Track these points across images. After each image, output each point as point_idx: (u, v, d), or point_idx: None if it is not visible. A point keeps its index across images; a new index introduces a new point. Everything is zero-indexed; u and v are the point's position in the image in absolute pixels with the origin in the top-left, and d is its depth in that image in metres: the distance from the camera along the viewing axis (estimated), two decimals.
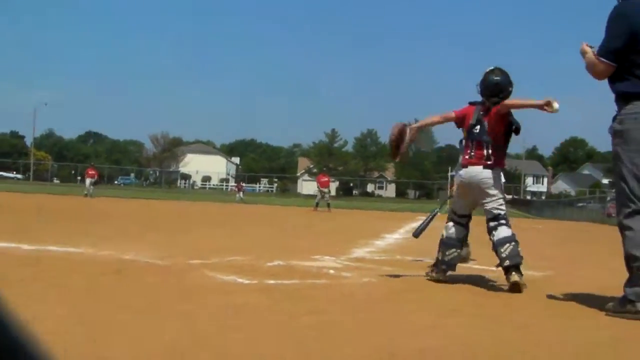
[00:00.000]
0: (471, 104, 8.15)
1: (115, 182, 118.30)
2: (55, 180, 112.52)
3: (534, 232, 25.47)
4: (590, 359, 4.49)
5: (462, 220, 8.18)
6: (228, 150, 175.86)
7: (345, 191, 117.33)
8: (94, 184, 46.87)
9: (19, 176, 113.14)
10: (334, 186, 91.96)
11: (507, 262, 7.58)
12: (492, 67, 8.10)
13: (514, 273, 7.51)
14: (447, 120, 8.25)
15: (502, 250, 7.63)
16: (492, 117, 7.89)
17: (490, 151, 7.87)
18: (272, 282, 7.45)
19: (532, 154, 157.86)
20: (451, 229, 8.14)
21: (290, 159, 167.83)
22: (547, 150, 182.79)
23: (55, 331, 4.43)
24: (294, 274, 8.27)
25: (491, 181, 7.87)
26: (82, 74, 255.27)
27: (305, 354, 4.19)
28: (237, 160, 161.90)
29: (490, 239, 7.87)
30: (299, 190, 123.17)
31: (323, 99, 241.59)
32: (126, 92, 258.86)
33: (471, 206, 8.22)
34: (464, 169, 8.00)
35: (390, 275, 8.56)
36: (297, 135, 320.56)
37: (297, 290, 6.94)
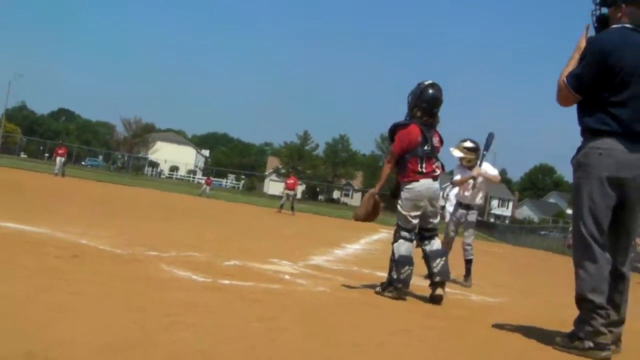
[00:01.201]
0: (399, 125, 8.37)
1: (83, 162, 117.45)
2: (23, 155, 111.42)
3: (493, 256, 25.68)
4: None
5: (411, 236, 8.25)
6: (199, 142, 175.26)
7: (311, 195, 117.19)
8: (64, 163, 46.41)
9: None
10: (300, 189, 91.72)
11: (437, 278, 8.15)
12: (430, 82, 8.40)
13: (439, 288, 8.13)
14: (395, 161, 8.36)
15: (434, 264, 8.18)
16: (436, 135, 8.46)
17: (436, 165, 8.35)
18: (226, 282, 7.46)
19: (500, 177, 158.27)
20: (403, 246, 8.17)
21: (260, 157, 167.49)
22: (516, 174, 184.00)
23: (4, 311, 4.45)
24: (250, 275, 8.29)
25: (439, 194, 8.52)
26: (58, 50, 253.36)
27: (253, 359, 4.23)
28: (207, 152, 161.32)
29: (423, 248, 8.34)
30: (265, 189, 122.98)
31: (299, 100, 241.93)
32: (102, 72, 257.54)
33: (420, 218, 8.32)
34: (417, 183, 8.16)
35: (345, 287, 8.61)
36: (269, 134, 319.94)
37: (251, 293, 6.95)
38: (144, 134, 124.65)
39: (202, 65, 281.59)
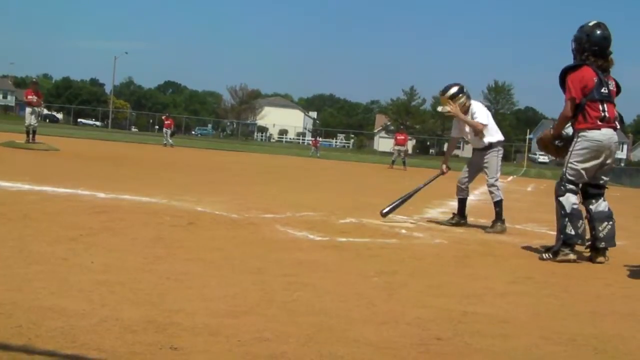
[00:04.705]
0: (570, 68, 7.36)
1: (193, 132, 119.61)
2: (133, 129, 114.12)
3: (610, 199, 24.91)
4: None
5: (577, 189, 7.33)
6: (306, 105, 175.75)
7: (422, 150, 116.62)
8: (171, 134, 47.13)
9: (98, 123, 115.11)
10: (410, 144, 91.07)
11: (602, 244, 7.27)
12: (594, 22, 7.34)
13: (601, 257, 7.24)
14: (575, 108, 7.25)
15: (600, 227, 7.27)
16: (611, 79, 7.39)
17: (616, 113, 7.34)
18: (343, 239, 7.44)
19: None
20: (572, 198, 7.23)
21: (367, 116, 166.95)
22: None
23: (124, 281, 4.50)
24: (366, 232, 8.24)
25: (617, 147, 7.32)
26: (162, 24, 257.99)
27: (372, 315, 4.18)
28: (314, 114, 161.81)
29: (589, 208, 7.42)
30: (375, 146, 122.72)
31: (402, 56, 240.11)
32: (206, 43, 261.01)
33: (593, 172, 7.34)
34: (597, 131, 7.16)
35: (463, 238, 8.48)
36: (376, 92, 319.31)
37: (368, 249, 6.93)
38: (251, 101, 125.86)
39: (303, 29, 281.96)
